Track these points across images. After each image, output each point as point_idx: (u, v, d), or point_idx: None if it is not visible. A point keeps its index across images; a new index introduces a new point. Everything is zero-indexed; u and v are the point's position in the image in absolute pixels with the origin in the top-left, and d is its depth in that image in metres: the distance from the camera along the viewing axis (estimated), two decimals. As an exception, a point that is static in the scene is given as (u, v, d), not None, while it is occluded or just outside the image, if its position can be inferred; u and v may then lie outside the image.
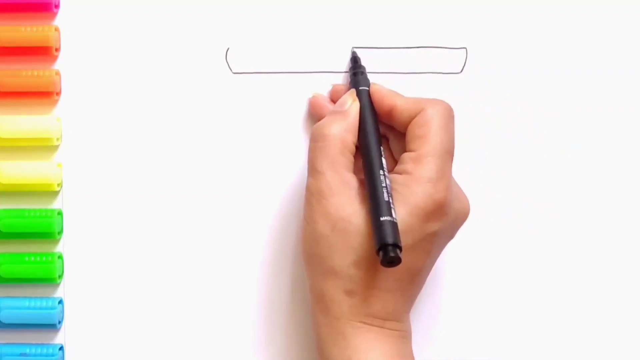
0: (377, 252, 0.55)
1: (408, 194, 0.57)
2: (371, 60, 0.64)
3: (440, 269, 0.65)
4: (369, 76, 0.64)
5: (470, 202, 0.62)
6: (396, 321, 0.58)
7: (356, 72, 0.63)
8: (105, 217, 0.65)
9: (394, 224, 0.55)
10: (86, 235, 0.65)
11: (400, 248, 0.55)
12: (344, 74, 0.65)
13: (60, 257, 0.64)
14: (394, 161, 0.61)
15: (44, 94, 0.64)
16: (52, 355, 0.64)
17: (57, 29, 0.64)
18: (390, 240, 0.55)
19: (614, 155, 0.65)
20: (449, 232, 0.60)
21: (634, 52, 0.65)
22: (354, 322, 0.57)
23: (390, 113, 0.60)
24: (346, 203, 0.57)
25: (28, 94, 0.63)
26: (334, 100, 0.63)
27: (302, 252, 0.59)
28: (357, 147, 0.60)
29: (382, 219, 0.55)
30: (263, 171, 0.65)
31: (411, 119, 0.59)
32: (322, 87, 0.64)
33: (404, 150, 0.59)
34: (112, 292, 0.65)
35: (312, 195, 0.58)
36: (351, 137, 0.59)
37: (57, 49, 0.64)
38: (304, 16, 0.64)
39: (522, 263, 0.65)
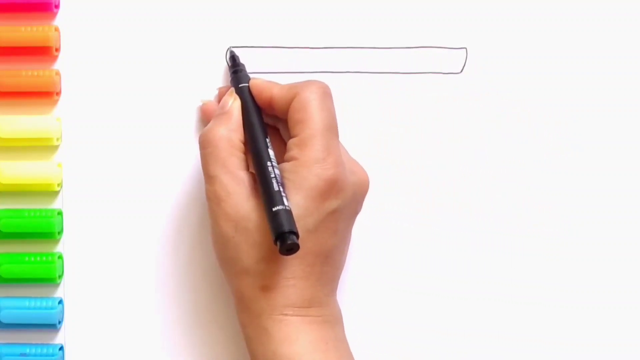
0: (275, 242, 0.55)
1: (299, 180, 0.58)
2: (371, 61, 0.64)
3: (440, 269, 0.65)
4: (369, 77, 0.64)
5: (470, 202, 0.62)
6: (318, 307, 0.58)
7: (236, 70, 0.63)
8: (105, 217, 0.65)
9: (287, 212, 0.56)
10: (86, 235, 0.65)
11: (296, 234, 0.55)
12: (344, 74, 0.65)
13: (60, 257, 0.64)
14: (284, 149, 0.61)
15: (44, 94, 0.64)
16: (52, 355, 0.64)
17: (57, 29, 0.64)
18: (285, 228, 0.55)
19: (614, 155, 0.65)
20: (352, 207, 0.60)
21: (634, 52, 0.65)
22: (274, 316, 0.58)
23: (270, 104, 0.61)
24: (243, 201, 0.58)
25: (28, 94, 0.63)
26: (204, 117, 0.64)
27: (216, 257, 0.60)
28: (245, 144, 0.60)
29: (274, 209, 0.56)
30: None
31: (288, 105, 0.60)
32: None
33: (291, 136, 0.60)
34: (112, 292, 0.65)
35: (211, 200, 0.59)
36: (237, 136, 0.60)
37: (57, 49, 0.64)
38: (304, 16, 0.64)
39: (522, 263, 0.65)
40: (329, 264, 0.59)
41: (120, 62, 0.64)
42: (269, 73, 0.64)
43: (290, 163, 0.58)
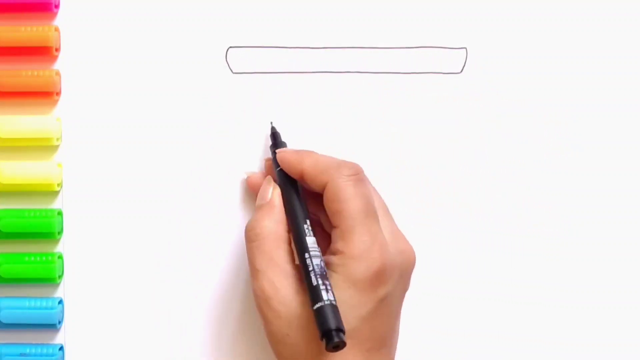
0: (321, 339, 0.54)
1: (347, 273, 0.56)
2: (371, 61, 0.64)
3: (440, 269, 0.65)
4: (369, 77, 0.64)
5: (470, 202, 0.62)
6: None
7: (278, 142, 0.62)
8: (105, 217, 0.65)
9: (331, 307, 0.54)
10: (86, 235, 0.65)
11: (342, 331, 0.54)
12: (344, 74, 0.65)
13: (60, 257, 0.64)
14: (329, 236, 0.60)
15: (44, 94, 0.64)
16: (52, 355, 0.64)
17: (57, 29, 0.64)
18: (331, 325, 0.54)
19: (614, 155, 0.65)
20: (401, 287, 0.59)
21: (634, 52, 0.65)
22: None
23: (302, 179, 0.60)
24: (292, 296, 0.57)
25: (28, 94, 0.63)
26: (252, 189, 0.63)
27: (274, 353, 0.59)
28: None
29: (315, 306, 0.55)
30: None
31: (322, 188, 0.58)
32: (322, 87, 0.64)
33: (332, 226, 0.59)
34: (112, 292, 0.65)
35: (259, 298, 0.57)
36: (282, 227, 0.59)
37: (57, 49, 0.64)
38: (304, 16, 0.64)
39: (522, 263, 0.65)
40: (386, 345, 0.58)
41: (120, 62, 0.64)
42: (269, 73, 0.64)
43: (337, 257, 0.57)
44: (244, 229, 0.63)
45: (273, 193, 0.60)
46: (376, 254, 0.57)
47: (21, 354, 0.64)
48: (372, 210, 0.58)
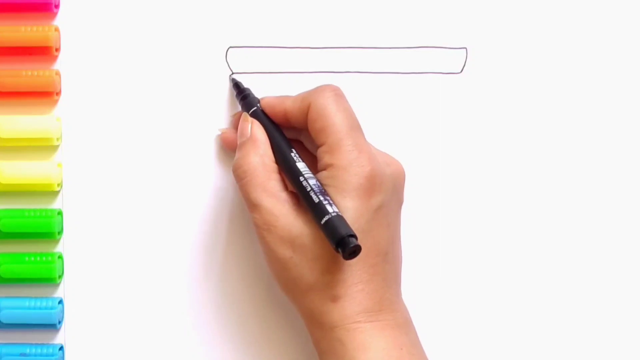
0: (336, 249, 0.55)
1: (341, 184, 0.57)
2: (371, 61, 0.64)
3: (440, 269, 0.65)
4: (369, 77, 0.64)
5: (469, 202, 0.62)
6: (389, 310, 0.58)
7: (243, 95, 0.63)
8: (105, 217, 0.65)
9: (338, 217, 0.56)
10: (86, 235, 0.65)
11: (355, 236, 0.55)
12: (344, 74, 0.65)
13: (60, 257, 0.64)
14: (315, 157, 0.61)
15: (44, 94, 0.64)
16: (52, 355, 0.64)
17: (57, 29, 0.64)
18: (342, 232, 0.55)
19: (614, 155, 0.65)
20: (396, 198, 0.60)
21: (635, 52, 0.65)
22: (347, 325, 0.57)
23: (286, 118, 0.61)
24: (292, 220, 0.58)
25: (28, 94, 0.63)
26: (237, 128, 0.63)
27: (276, 281, 0.60)
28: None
29: (323, 220, 0.56)
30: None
31: (305, 116, 0.60)
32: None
33: (315, 145, 0.60)
34: (112, 292, 0.65)
35: (261, 228, 0.58)
36: (269, 159, 0.60)
37: (57, 49, 0.64)
38: (304, 16, 0.64)
39: (522, 263, 0.65)
40: (389, 261, 0.58)
41: (120, 62, 0.64)
42: (269, 73, 0.64)
43: (327, 171, 0.58)
44: (244, 228, 0.63)
45: (253, 127, 0.61)
46: (364, 161, 0.58)
47: (21, 354, 0.64)
48: (356, 124, 0.59)
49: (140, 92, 0.64)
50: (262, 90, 0.64)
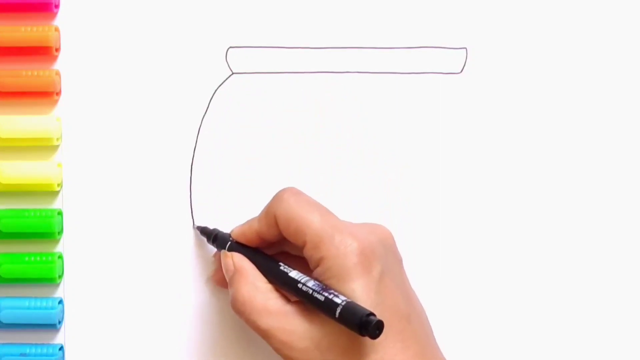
0: (361, 334, 0.54)
1: (338, 272, 0.57)
2: (371, 61, 0.64)
3: (440, 269, 0.65)
4: (369, 77, 0.64)
5: (469, 202, 0.62)
6: None
7: (214, 237, 0.63)
8: (105, 217, 0.65)
9: (349, 304, 0.55)
10: (86, 235, 0.65)
11: (372, 313, 0.54)
12: (344, 74, 0.65)
13: (60, 257, 0.64)
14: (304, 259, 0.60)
15: (44, 94, 0.64)
16: (52, 355, 0.64)
17: (57, 29, 0.64)
18: (359, 315, 0.54)
19: (614, 155, 0.65)
20: (392, 259, 0.59)
21: (635, 52, 0.65)
22: None
23: (261, 239, 0.61)
24: (309, 327, 0.57)
25: (28, 94, 0.63)
26: (220, 284, 0.64)
27: None
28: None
29: (337, 312, 0.55)
30: (262, 171, 0.65)
31: (276, 228, 0.59)
32: (322, 87, 0.64)
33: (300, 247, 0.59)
34: (112, 292, 0.65)
35: (282, 350, 0.57)
36: (262, 283, 0.59)
37: (57, 49, 0.64)
38: (304, 16, 0.64)
39: (522, 263, 0.65)
40: (414, 320, 0.58)
41: (120, 62, 0.64)
42: (269, 73, 0.64)
43: (320, 266, 0.57)
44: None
45: (234, 260, 0.61)
46: (350, 240, 0.57)
47: (21, 354, 0.64)
48: (324, 210, 0.59)
49: (140, 92, 0.64)
50: (262, 90, 0.64)
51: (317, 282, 0.57)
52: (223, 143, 0.65)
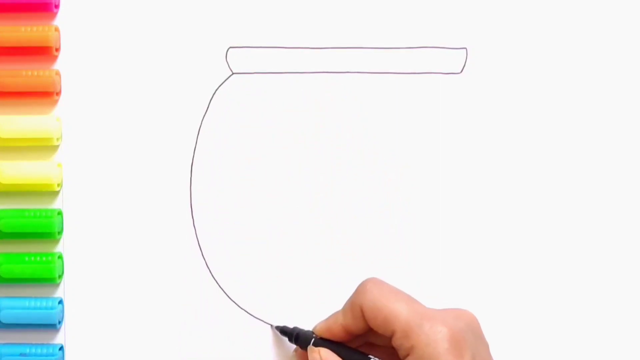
0: None
1: (428, 358, 0.57)
2: (371, 61, 0.64)
3: (440, 269, 0.65)
4: (369, 77, 0.64)
5: (470, 202, 0.62)
6: None
7: (296, 335, 0.63)
8: (105, 217, 0.65)
9: None
10: (86, 235, 0.65)
11: None
12: (344, 74, 0.65)
13: (60, 257, 0.64)
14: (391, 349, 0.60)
15: (44, 94, 0.64)
16: (52, 355, 0.64)
17: (57, 29, 0.64)
18: None
19: (614, 155, 0.65)
20: (481, 344, 0.59)
21: (635, 52, 0.65)
22: None
23: (347, 332, 0.61)
24: None
25: (28, 94, 0.63)
26: None
27: None
28: None
29: None
30: (262, 171, 0.65)
31: (362, 320, 0.60)
32: (322, 87, 0.64)
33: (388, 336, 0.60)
34: (112, 292, 0.65)
35: None
36: None
37: (57, 49, 0.64)
38: (304, 16, 0.64)
39: (522, 263, 0.65)
40: None
41: (120, 62, 0.64)
42: (269, 73, 0.64)
43: (411, 355, 0.57)
44: (248, 228, 0.63)
45: (321, 354, 0.61)
46: (440, 327, 0.57)
47: (21, 354, 0.64)
48: (408, 298, 0.59)
49: (140, 92, 0.64)
50: (262, 90, 0.64)
51: None
52: (223, 143, 0.65)
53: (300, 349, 0.63)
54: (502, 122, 0.65)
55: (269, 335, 0.65)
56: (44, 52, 0.63)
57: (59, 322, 0.64)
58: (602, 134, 0.65)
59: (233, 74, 0.65)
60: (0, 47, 0.63)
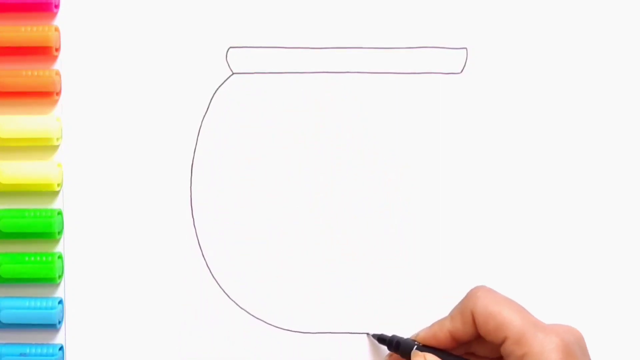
0: None
1: None
2: (371, 61, 0.64)
3: (440, 269, 0.65)
4: (369, 77, 0.64)
5: (469, 202, 0.62)
6: None
7: (396, 343, 0.62)
8: (105, 217, 0.65)
9: None
10: (86, 235, 0.65)
11: None
12: (344, 74, 0.65)
13: (60, 257, 0.64)
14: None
15: (44, 94, 0.64)
16: (52, 355, 0.64)
17: (57, 29, 0.64)
18: None
19: (614, 155, 0.65)
20: (586, 359, 0.60)
21: (635, 52, 0.65)
22: None
23: (453, 339, 0.61)
24: None
25: (28, 94, 0.63)
26: None
27: None
28: None
29: None
30: (262, 171, 0.65)
31: (471, 326, 0.60)
32: (322, 87, 0.64)
33: (486, 347, 0.60)
34: (112, 292, 0.65)
35: None
36: None
37: (57, 49, 0.64)
38: (304, 16, 0.64)
39: (522, 263, 0.65)
40: None
41: (120, 62, 0.64)
42: (269, 73, 0.64)
43: None
44: (248, 228, 0.63)
45: (427, 358, 0.61)
46: (554, 337, 0.58)
47: (21, 354, 0.64)
48: (518, 306, 0.60)
49: (140, 92, 0.65)
50: (262, 90, 0.64)
51: None
52: (223, 143, 0.65)
53: (395, 356, 0.63)
54: (502, 122, 0.65)
55: (269, 335, 0.65)
56: (44, 52, 0.63)
57: (59, 322, 0.64)
58: (602, 134, 0.65)
59: (233, 74, 0.65)
60: (0, 47, 0.63)
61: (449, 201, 0.65)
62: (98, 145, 0.65)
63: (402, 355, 0.62)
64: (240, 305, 0.65)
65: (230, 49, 0.65)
